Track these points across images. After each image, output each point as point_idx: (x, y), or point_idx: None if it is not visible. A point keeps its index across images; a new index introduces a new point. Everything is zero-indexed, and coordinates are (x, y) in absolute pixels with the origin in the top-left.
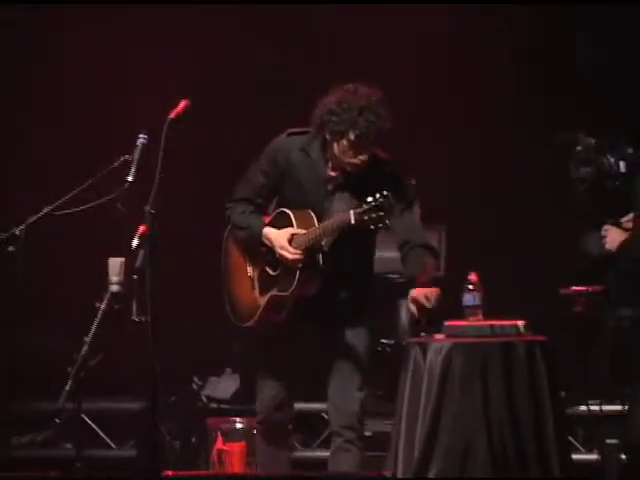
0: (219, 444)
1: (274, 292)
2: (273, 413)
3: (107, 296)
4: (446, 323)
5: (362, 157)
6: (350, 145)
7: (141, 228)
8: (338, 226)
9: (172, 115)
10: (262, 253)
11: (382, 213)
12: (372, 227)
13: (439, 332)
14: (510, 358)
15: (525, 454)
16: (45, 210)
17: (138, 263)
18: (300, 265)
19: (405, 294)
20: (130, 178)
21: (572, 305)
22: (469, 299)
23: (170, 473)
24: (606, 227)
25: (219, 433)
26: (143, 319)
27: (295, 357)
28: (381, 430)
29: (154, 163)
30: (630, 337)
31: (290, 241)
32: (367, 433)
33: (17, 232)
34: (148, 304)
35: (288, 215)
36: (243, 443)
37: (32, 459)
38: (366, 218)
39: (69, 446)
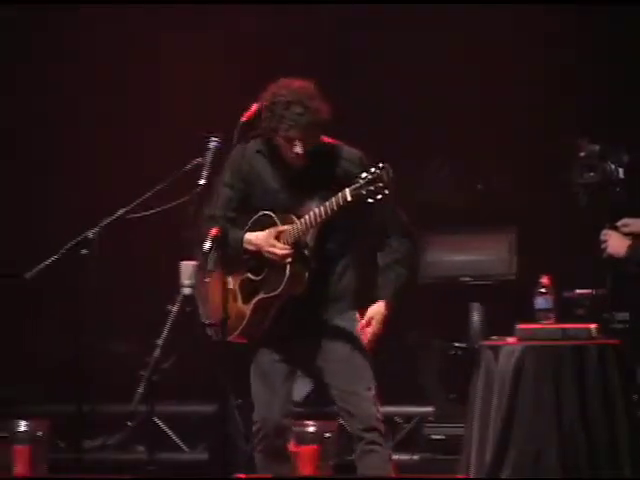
0: (291, 447)
1: (261, 295)
2: (273, 430)
3: (179, 299)
4: (518, 326)
5: (296, 150)
6: (284, 139)
7: (213, 231)
8: (332, 208)
9: (244, 118)
10: (241, 263)
11: (381, 184)
12: (370, 200)
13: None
14: (582, 361)
15: (597, 457)
16: (118, 213)
17: (210, 266)
18: (289, 260)
19: (476, 297)
20: (202, 181)
21: (575, 308)
22: (541, 302)
23: (242, 476)
24: (606, 232)
25: (292, 436)
26: (214, 322)
27: (287, 364)
28: (453, 433)
29: None
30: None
31: (277, 238)
32: (439, 436)
33: (90, 235)
34: (222, 307)
35: (268, 215)
36: (315, 446)
37: (104, 462)
38: (364, 192)
39: (141, 449)
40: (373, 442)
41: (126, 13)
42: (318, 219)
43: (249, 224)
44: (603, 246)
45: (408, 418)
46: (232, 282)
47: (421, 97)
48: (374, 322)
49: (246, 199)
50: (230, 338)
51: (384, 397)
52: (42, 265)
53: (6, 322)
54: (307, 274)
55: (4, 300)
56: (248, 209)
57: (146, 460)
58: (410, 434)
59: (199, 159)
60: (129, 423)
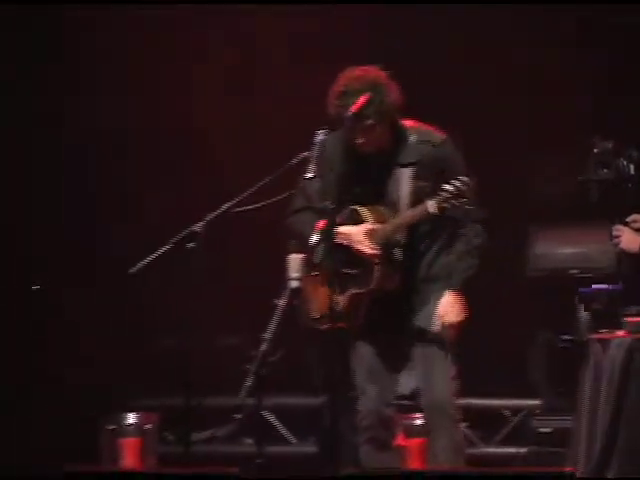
0: (400, 440)
1: (354, 290)
2: (376, 420)
3: (287, 292)
4: (627, 319)
5: (361, 139)
6: (349, 128)
7: (320, 223)
8: (415, 218)
9: (353, 109)
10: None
11: (464, 199)
12: (452, 208)
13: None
14: None
15: None
16: (224, 207)
17: (317, 259)
18: (378, 260)
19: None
20: (309, 175)
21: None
22: None
23: (353, 469)
24: (618, 227)
25: (400, 429)
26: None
27: (388, 355)
28: (561, 426)
29: None
30: None
31: (367, 236)
32: (547, 429)
33: (197, 229)
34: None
35: (357, 211)
36: (423, 439)
37: (213, 455)
38: (446, 206)
39: (250, 442)
40: (443, 427)
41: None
42: (406, 225)
43: (340, 216)
44: (615, 241)
45: (516, 411)
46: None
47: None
48: (447, 315)
49: (333, 189)
50: (329, 326)
51: (492, 390)
52: (147, 260)
53: (114, 316)
54: (398, 272)
55: (113, 295)
56: (339, 198)
57: (254, 453)
58: (517, 427)
59: (306, 153)
60: (237, 416)
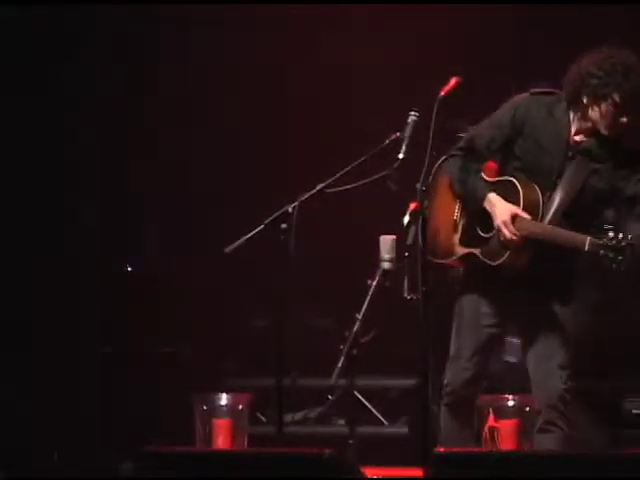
0: (491, 421)
1: (477, 252)
2: (462, 388)
3: (379, 273)
4: None
5: (625, 119)
6: (614, 107)
7: (412, 205)
8: (567, 243)
9: (443, 92)
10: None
11: (621, 258)
12: (603, 262)
13: None
14: None
15: None
16: (318, 187)
17: (409, 240)
18: (513, 246)
19: None
20: (401, 155)
21: None
22: None
23: (442, 450)
24: None
25: (491, 410)
26: (414, 296)
27: (496, 327)
28: None
29: (425, 140)
30: None
31: (512, 219)
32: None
33: (289, 209)
34: (419, 281)
35: (515, 187)
36: (516, 420)
37: (305, 436)
38: (602, 253)
39: (342, 422)
40: (550, 422)
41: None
42: (547, 240)
43: (494, 183)
44: None
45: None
46: (458, 215)
47: None
48: None
49: (507, 147)
50: (439, 261)
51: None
52: (242, 240)
53: (208, 297)
54: (527, 260)
55: (206, 275)
56: (507, 156)
57: (346, 434)
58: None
59: (398, 134)
60: (329, 397)
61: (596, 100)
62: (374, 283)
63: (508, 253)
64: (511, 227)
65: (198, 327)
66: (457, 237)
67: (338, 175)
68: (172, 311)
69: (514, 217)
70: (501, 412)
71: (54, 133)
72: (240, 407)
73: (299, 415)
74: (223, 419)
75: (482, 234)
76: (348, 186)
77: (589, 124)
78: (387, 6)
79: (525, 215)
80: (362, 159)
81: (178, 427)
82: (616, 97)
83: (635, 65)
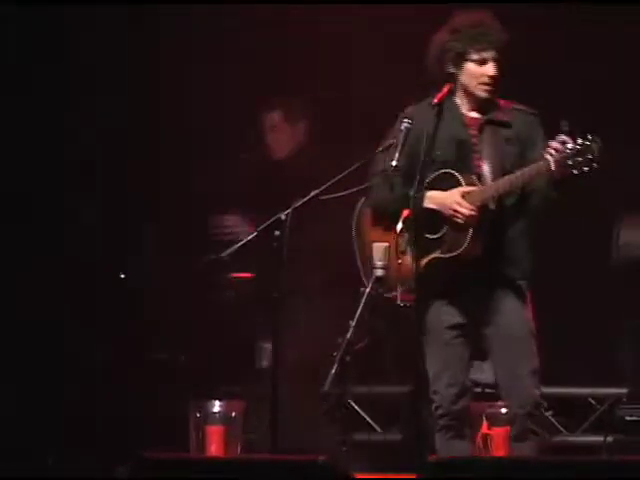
0: (484, 428)
1: (437, 254)
2: (454, 403)
3: (372, 280)
4: None
5: (491, 72)
6: (476, 63)
7: (405, 212)
8: (530, 178)
9: (436, 100)
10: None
11: (590, 156)
12: (576, 172)
13: None
14: None
15: None
16: (311, 194)
17: (402, 247)
18: (473, 223)
19: None
20: (394, 163)
21: None
22: None
23: (435, 456)
24: None
25: (484, 418)
26: (408, 304)
27: (462, 328)
28: None
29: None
30: None
31: (464, 198)
32: (634, 418)
33: (282, 216)
34: (415, 286)
35: (450, 174)
36: (508, 427)
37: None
38: (570, 162)
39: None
40: (527, 429)
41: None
42: (513, 186)
43: (429, 181)
44: None
45: (602, 399)
46: (396, 239)
47: None
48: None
49: (418, 155)
50: (397, 295)
51: (578, 379)
52: (236, 246)
53: (198, 299)
54: (487, 238)
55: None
56: (424, 164)
57: (339, 441)
58: (604, 415)
59: (391, 140)
60: (323, 404)
61: (458, 63)
62: (367, 290)
63: (470, 235)
64: (465, 204)
65: (193, 333)
66: (408, 259)
67: (332, 181)
68: (168, 317)
69: (463, 196)
70: (494, 419)
71: (53, 134)
72: (234, 414)
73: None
74: (216, 426)
75: (434, 236)
76: (342, 192)
77: (470, 96)
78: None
79: (471, 188)
80: (355, 166)
81: (174, 433)
82: (473, 53)
83: (484, 18)
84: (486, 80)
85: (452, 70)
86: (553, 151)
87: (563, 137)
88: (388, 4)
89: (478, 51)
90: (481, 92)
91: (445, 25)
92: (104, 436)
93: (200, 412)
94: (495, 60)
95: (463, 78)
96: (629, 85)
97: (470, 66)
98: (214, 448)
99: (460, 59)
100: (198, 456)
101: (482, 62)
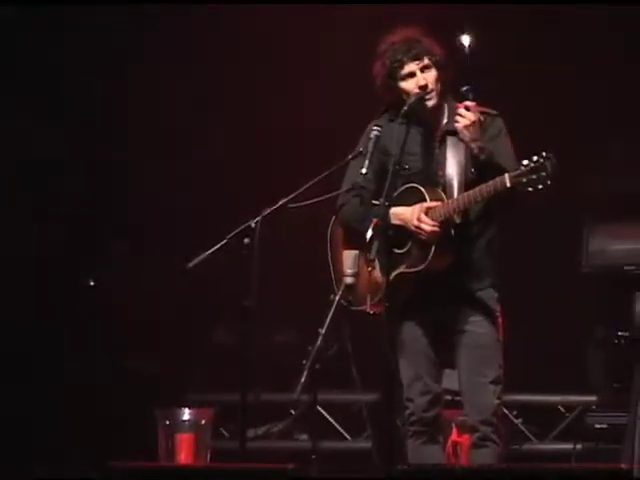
0: (454, 436)
1: (402, 269)
2: (426, 411)
3: (341, 288)
4: None
5: (427, 76)
6: (406, 77)
7: (374, 220)
8: (489, 193)
9: (405, 107)
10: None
11: (544, 174)
12: (530, 189)
13: None
14: None
15: None
16: (280, 202)
17: (372, 255)
18: (436, 238)
19: None
20: (364, 171)
21: None
22: None
23: (406, 464)
24: None
25: (453, 425)
26: (377, 311)
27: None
28: (617, 422)
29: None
30: None
31: (426, 214)
32: (603, 426)
33: (252, 224)
34: (384, 296)
35: (415, 189)
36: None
37: (267, 451)
38: (524, 180)
39: (305, 438)
40: (486, 438)
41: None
42: (472, 202)
43: (395, 196)
44: None
45: (571, 407)
46: (370, 253)
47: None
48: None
49: (385, 172)
50: (366, 308)
51: (547, 386)
52: (205, 254)
53: (166, 310)
54: (451, 252)
55: (171, 288)
56: (392, 177)
57: (309, 449)
58: (573, 423)
59: (360, 148)
60: (292, 412)
61: (393, 83)
62: (337, 297)
63: (433, 251)
64: (427, 220)
65: (162, 342)
66: (376, 272)
67: (301, 189)
68: (136, 325)
69: (426, 212)
70: (464, 427)
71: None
72: (203, 422)
73: (262, 430)
74: (186, 434)
75: (400, 251)
76: (312, 200)
77: (420, 109)
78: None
79: (434, 204)
80: (324, 174)
81: (142, 441)
82: (408, 61)
83: (412, 32)
84: (420, 91)
85: (400, 85)
86: (459, 117)
87: (466, 103)
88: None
89: (402, 67)
90: (429, 101)
91: (376, 54)
92: (72, 444)
93: (169, 420)
94: (423, 69)
95: (404, 96)
96: (598, 95)
97: (401, 84)
98: (183, 456)
99: (393, 79)
100: (167, 464)
101: (410, 76)
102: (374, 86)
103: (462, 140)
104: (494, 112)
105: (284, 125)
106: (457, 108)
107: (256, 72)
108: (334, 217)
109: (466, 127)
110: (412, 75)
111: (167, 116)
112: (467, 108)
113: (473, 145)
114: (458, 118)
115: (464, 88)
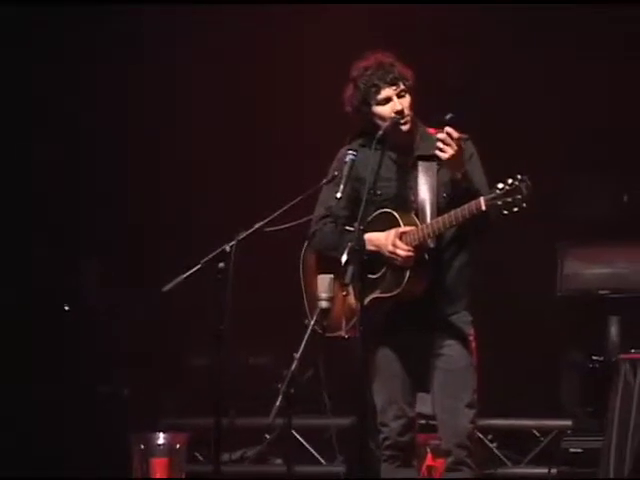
0: (428, 460)
1: (377, 294)
2: (401, 435)
3: (316, 312)
4: None
5: (396, 107)
6: (381, 103)
7: (349, 245)
8: (463, 217)
9: (381, 131)
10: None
11: (519, 196)
12: (506, 212)
13: None
14: None
15: None
16: (256, 226)
17: (347, 279)
18: (411, 263)
19: (614, 310)
20: (339, 195)
21: None
22: None
23: None
24: None
25: (428, 449)
26: (352, 335)
27: (404, 363)
28: (592, 447)
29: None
30: None
31: (400, 239)
32: (577, 450)
33: (227, 248)
34: (358, 320)
35: (388, 214)
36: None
37: (242, 475)
38: (500, 203)
39: (279, 462)
40: (461, 462)
41: None
42: (447, 226)
43: (368, 222)
44: None
45: (546, 431)
46: (340, 280)
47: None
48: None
49: (357, 197)
50: (341, 334)
51: (522, 411)
52: (179, 278)
53: (145, 335)
54: (427, 277)
55: (143, 313)
56: (359, 205)
57: (284, 473)
58: (548, 447)
59: (335, 172)
60: (267, 436)
61: (367, 108)
62: (312, 322)
63: (407, 276)
64: (402, 245)
65: (135, 366)
66: (351, 298)
67: (276, 214)
68: (109, 349)
69: (400, 237)
70: (438, 451)
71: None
72: (177, 446)
73: (237, 454)
74: (160, 458)
75: (375, 276)
76: (287, 225)
77: (393, 134)
78: None
79: (408, 228)
80: (299, 198)
81: (115, 466)
82: (383, 86)
83: (384, 57)
84: (395, 116)
85: (367, 115)
86: (441, 144)
87: (447, 128)
88: None
89: (378, 92)
90: (403, 126)
91: (348, 80)
92: (45, 470)
93: (144, 444)
94: (399, 95)
95: (378, 121)
96: (578, 115)
97: (377, 109)
98: None
99: (367, 105)
100: None
101: (386, 101)
102: (344, 111)
103: (443, 167)
104: (465, 136)
105: (265, 146)
106: (435, 134)
107: (239, 89)
108: (306, 242)
109: (452, 157)
110: (388, 100)
111: (141, 133)
112: (449, 135)
113: (457, 173)
114: (442, 147)
115: (448, 116)
